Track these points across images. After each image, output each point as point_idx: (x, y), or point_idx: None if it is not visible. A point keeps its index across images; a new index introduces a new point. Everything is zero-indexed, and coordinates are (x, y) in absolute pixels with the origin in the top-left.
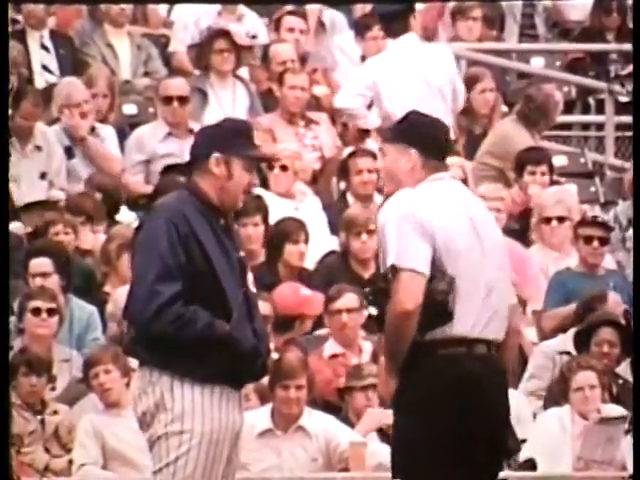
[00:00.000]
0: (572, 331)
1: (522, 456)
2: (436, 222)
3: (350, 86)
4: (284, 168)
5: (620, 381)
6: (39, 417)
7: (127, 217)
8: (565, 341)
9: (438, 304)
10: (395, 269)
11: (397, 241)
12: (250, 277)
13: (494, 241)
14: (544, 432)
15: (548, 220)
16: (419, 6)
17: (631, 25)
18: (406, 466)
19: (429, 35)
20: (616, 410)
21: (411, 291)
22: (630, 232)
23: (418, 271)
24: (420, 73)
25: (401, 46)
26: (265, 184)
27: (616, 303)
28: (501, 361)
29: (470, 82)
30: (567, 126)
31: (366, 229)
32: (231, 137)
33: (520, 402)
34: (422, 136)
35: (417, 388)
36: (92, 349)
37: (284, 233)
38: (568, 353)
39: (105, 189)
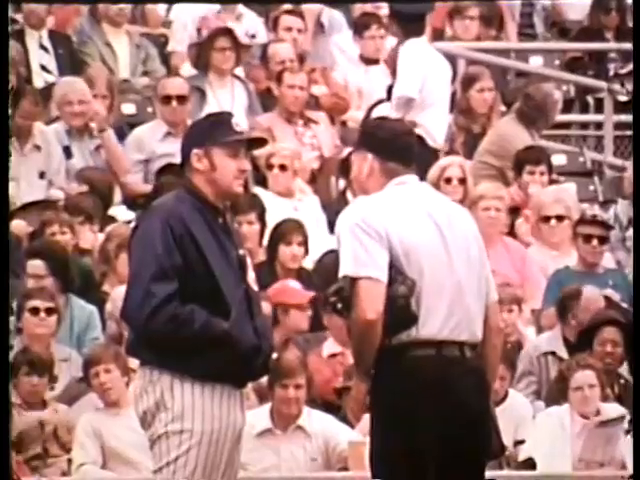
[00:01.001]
0: (557, 330)
1: (522, 455)
2: (392, 227)
3: (409, 77)
4: (283, 167)
5: (622, 381)
6: (39, 417)
7: (120, 213)
8: (550, 340)
9: (400, 308)
10: (352, 279)
11: (351, 249)
12: (252, 275)
13: (463, 240)
14: (543, 431)
15: (547, 219)
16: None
17: (630, 24)
18: (384, 472)
19: (437, 36)
20: (615, 410)
21: (371, 300)
22: (630, 231)
23: (374, 278)
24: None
25: (425, 47)
26: (264, 183)
27: (590, 300)
28: (480, 362)
29: (468, 81)
30: (566, 125)
31: None
32: (208, 129)
33: (520, 402)
34: (378, 140)
35: (388, 392)
36: (92, 348)
37: (279, 234)
38: (553, 353)
39: (93, 183)
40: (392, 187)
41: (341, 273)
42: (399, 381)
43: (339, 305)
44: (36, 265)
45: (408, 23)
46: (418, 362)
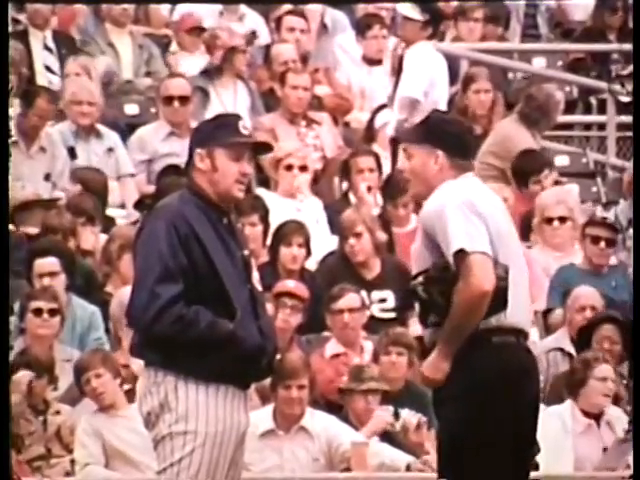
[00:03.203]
0: (564, 328)
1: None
2: (488, 213)
3: (415, 79)
4: (304, 168)
5: (624, 381)
6: (41, 418)
7: (118, 213)
8: (558, 338)
9: (498, 291)
10: (464, 253)
11: (463, 226)
12: (256, 275)
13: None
14: (545, 430)
15: (550, 220)
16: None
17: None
18: (455, 457)
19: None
20: (617, 412)
21: (486, 272)
22: (630, 232)
23: (488, 254)
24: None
25: (431, 50)
26: (267, 184)
27: (581, 299)
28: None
29: (466, 82)
30: (569, 126)
31: (352, 232)
32: (213, 130)
33: None
34: (447, 136)
35: (471, 376)
36: (80, 356)
37: (280, 236)
38: (561, 350)
39: (87, 183)
40: (466, 179)
41: (454, 247)
42: (485, 365)
43: (430, 288)
44: (49, 263)
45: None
46: (504, 348)
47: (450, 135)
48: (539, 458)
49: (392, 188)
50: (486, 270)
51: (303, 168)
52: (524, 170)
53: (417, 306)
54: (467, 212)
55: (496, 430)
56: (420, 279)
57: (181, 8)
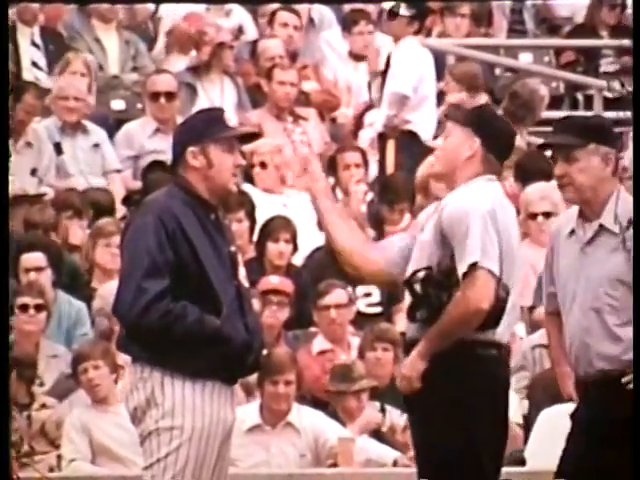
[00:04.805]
0: None
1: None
2: (504, 224)
3: (405, 75)
4: (263, 165)
5: None
6: (25, 413)
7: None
8: (544, 335)
9: (494, 311)
10: (474, 266)
11: (482, 239)
12: (243, 272)
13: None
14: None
15: (534, 216)
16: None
17: (626, 22)
18: (436, 469)
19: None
20: None
21: (487, 291)
22: (630, 232)
23: (495, 274)
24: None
25: (419, 46)
26: (253, 180)
27: None
28: None
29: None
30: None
31: None
32: (202, 126)
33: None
34: (492, 129)
35: (455, 385)
36: (81, 344)
37: (266, 231)
38: (546, 346)
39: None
40: (487, 182)
41: (469, 260)
42: (469, 375)
43: (428, 287)
44: (36, 257)
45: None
46: (487, 360)
47: (495, 129)
48: (529, 455)
49: (391, 193)
50: (488, 289)
51: (262, 165)
52: (523, 174)
53: (408, 299)
54: (488, 224)
55: (480, 439)
56: (420, 275)
57: (168, 7)
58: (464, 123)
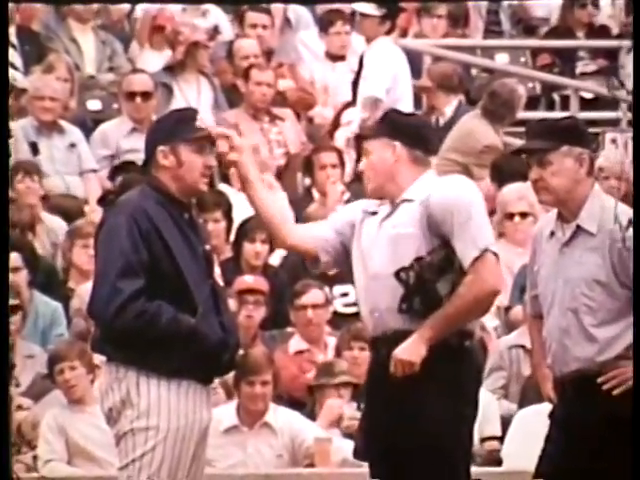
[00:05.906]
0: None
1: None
2: None
3: (377, 77)
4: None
5: None
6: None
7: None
8: (521, 335)
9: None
10: (486, 251)
11: (487, 224)
12: (218, 270)
13: None
14: (521, 430)
15: (511, 216)
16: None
17: (600, 22)
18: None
19: (402, 35)
20: None
21: (500, 273)
22: (630, 232)
23: (498, 255)
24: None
25: (392, 46)
26: (229, 180)
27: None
28: None
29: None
30: None
31: None
32: (173, 126)
33: (488, 400)
34: (404, 128)
35: (448, 377)
36: (57, 345)
37: (243, 231)
38: (523, 347)
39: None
40: (437, 175)
41: (482, 245)
42: (465, 363)
43: (424, 275)
44: (11, 258)
45: (378, 23)
46: (474, 353)
47: (407, 127)
48: (508, 456)
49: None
50: (500, 271)
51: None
52: (501, 175)
53: (397, 292)
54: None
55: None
56: (414, 266)
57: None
58: (377, 136)
